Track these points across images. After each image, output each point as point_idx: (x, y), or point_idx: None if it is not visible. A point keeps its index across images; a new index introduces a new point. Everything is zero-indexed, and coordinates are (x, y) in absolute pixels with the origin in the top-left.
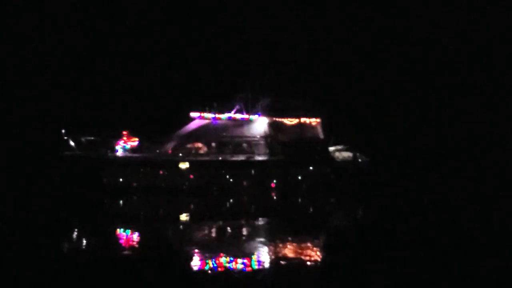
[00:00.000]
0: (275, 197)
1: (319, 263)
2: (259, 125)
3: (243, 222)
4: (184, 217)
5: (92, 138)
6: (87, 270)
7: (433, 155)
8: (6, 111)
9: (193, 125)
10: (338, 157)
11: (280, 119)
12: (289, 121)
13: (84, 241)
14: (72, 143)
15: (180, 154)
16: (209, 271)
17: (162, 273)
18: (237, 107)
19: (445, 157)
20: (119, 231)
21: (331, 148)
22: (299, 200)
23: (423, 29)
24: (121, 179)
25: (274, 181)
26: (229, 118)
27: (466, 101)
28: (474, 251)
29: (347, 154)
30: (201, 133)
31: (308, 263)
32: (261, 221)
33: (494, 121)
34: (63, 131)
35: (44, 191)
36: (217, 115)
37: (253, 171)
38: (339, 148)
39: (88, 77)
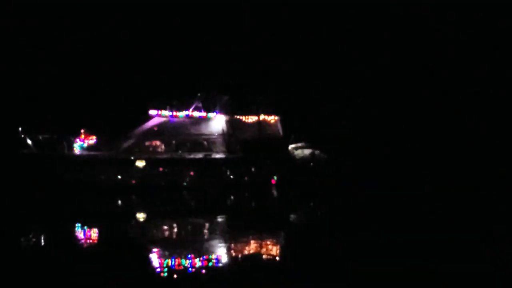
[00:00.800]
0: (232, 196)
1: (265, 259)
2: (217, 123)
3: (197, 219)
4: (140, 215)
5: (50, 136)
6: (35, 267)
7: (397, 152)
8: None
9: (151, 123)
10: (297, 155)
11: (238, 117)
12: (248, 119)
13: (36, 239)
14: (29, 141)
15: (137, 152)
16: (164, 269)
17: (114, 270)
18: (195, 105)
19: (409, 154)
20: (73, 229)
21: (291, 146)
22: (257, 197)
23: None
24: (78, 177)
25: (232, 177)
26: (187, 116)
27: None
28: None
29: (307, 152)
30: (159, 131)
31: (255, 259)
32: (214, 219)
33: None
34: (20, 129)
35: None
36: (175, 113)
37: (210, 169)
38: (299, 146)
39: (45, 74)
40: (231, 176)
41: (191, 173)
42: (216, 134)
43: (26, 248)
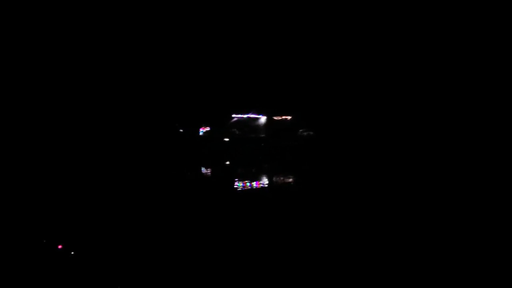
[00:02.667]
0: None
1: None
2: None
3: None
4: None
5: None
6: None
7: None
8: None
9: (233, 120)
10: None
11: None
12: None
13: None
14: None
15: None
16: None
17: None
18: (252, 112)
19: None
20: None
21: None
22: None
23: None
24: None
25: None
26: (248, 116)
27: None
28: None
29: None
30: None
31: None
32: None
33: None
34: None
35: None
36: (242, 116)
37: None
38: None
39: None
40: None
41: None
42: (262, 126)
43: None
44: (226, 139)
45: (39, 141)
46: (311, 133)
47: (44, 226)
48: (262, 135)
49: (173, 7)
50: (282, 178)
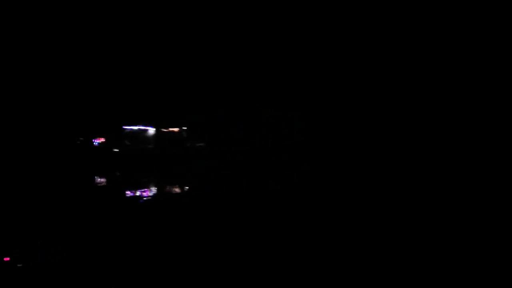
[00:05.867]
0: None
1: None
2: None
3: None
4: None
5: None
6: None
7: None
8: None
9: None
10: None
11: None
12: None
13: None
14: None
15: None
16: None
17: None
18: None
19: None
20: None
21: None
22: None
23: None
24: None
25: None
26: (139, 128)
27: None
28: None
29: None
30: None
31: None
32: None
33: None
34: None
35: None
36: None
37: None
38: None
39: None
40: None
41: None
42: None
43: None
44: (117, 150)
45: None
46: (202, 144)
47: None
48: (150, 146)
49: None
50: (173, 187)
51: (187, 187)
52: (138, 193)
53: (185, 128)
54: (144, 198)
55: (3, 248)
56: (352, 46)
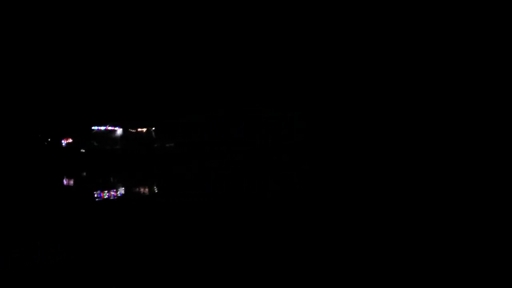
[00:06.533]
0: None
1: None
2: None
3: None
4: None
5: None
6: None
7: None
8: None
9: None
10: None
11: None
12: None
13: None
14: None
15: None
16: None
17: None
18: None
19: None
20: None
21: None
22: None
23: None
24: None
25: None
26: (105, 128)
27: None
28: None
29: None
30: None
31: None
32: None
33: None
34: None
35: None
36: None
37: None
38: None
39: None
40: None
41: None
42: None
43: None
44: (84, 150)
45: None
46: (172, 144)
47: None
48: (118, 147)
49: None
50: (141, 188)
51: (157, 188)
52: (106, 193)
53: (154, 128)
54: (112, 198)
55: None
56: (352, 46)
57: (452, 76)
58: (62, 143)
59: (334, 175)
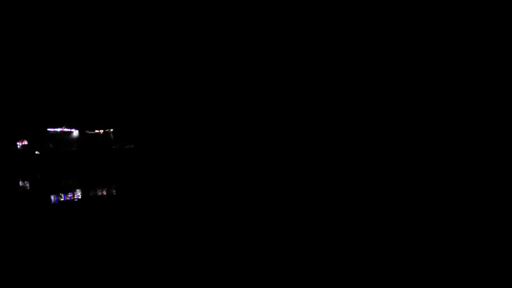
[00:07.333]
0: None
1: None
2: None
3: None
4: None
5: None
6: None
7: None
8: None
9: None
10: None
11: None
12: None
13: None
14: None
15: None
16: None
17: None
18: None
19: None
20: None
21: None
22: None
23: None
24: None
25: None
26: (61, 130)
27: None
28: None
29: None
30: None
31: None
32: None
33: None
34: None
35: None
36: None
37: None
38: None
39: None
40: None
41: None
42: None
43: None
44: (38, 152)
45: None
46: (132, 146)
47: None
48: (74, 148)
49: None
50: (99, 190)
51: (115, 190)
52: (62, 196)
53: (112, 130)
54: (70, 200)
55: None
56: (352, 46)
57: (452, 76)
58: (16, 145)
59: (333, 175)
